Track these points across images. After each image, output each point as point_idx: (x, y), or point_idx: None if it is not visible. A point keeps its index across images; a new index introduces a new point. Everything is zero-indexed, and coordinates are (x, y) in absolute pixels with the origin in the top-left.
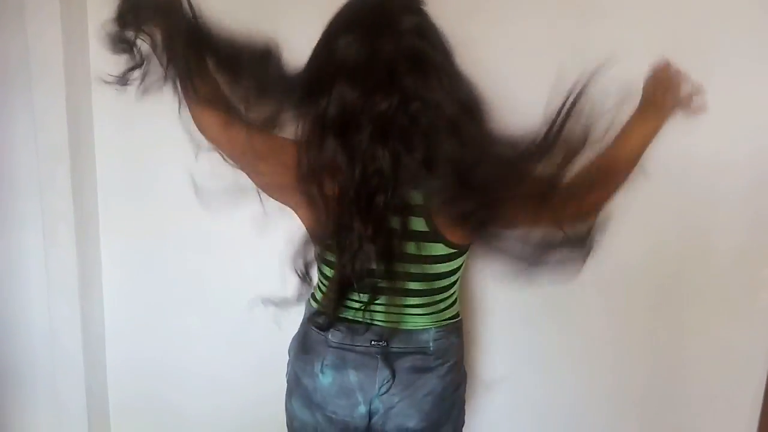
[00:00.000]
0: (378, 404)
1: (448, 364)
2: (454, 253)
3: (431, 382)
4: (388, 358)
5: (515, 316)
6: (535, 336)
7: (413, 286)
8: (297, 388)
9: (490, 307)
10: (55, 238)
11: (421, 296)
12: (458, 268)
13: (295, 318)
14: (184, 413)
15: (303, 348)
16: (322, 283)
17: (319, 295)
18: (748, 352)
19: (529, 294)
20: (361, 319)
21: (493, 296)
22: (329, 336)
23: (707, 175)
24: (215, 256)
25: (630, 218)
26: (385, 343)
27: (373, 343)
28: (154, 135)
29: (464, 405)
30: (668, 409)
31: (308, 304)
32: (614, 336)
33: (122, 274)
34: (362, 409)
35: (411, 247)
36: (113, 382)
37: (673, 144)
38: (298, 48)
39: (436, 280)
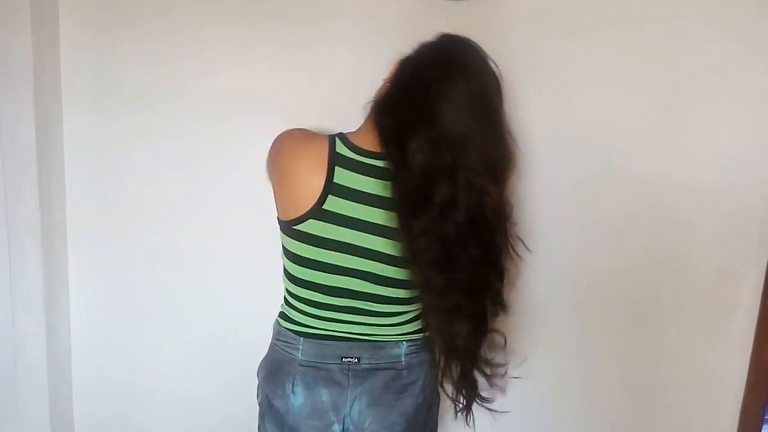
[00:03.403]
0: (349, 423)
1: (420, 382)
2: None
3: (404, 403)
4: (360, 375)
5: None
6: (510, 358)
7: (385, 291)
8: (269, 411)
9: None
10: (20, 249)
11: (391, 303)
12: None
13: (270, 340)
14: None
15: (272, 369)
16: (291, 295)
17: (289, 311)
18: (724, 374)
19: (504, 316)
20: (330, 334)
21: None
22: (299, 355)
23: (683, 198)
24: (187, 270)
25: (607, 240)
26: (357, 360)
27: (343, 360)
28: (126, 145)
29: (437, 427)
30: (644, 430)
31: (276, 324)
32: (590, 357)
33: (90, 287)
34: (336, 428)
35: (379, 244)
36: (79, 400)
37: (649, 167)
38: None
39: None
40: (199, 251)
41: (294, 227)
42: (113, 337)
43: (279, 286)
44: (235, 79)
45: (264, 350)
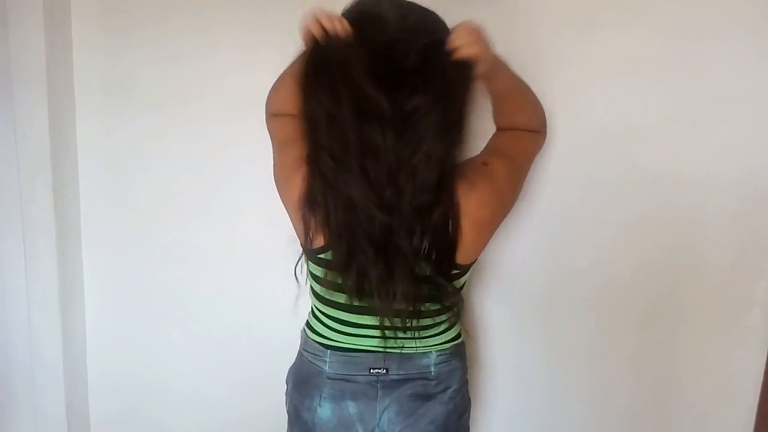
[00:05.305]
0: None
1: (451, 389)
2: (457, 273)
3: (434, 410)
4: (388, 386)
5: (509, 335)
6: (528, 355)
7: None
8: (297, 421)
9: (485, 326)
10: (35, 249)
11: (421, 318)
12: (460, 289)
13: (283, 337)
14: (166, 430)
15: (300, 380)
16: (318, 310)
17: (315, 324)
18: (740, 370)
19: (523, 312)
20: (358, 347)
21: (488, 316)
22: (326, 368)
23: (698, 193)
24: (199, 269)
25: (621, 236)
26: (385, 371)
27: (372, 371)
28: (139, 146)
29: None
30: (659, 427)
31: (303, 333)
32: (604, 354)
33: (104, 286)
34: None
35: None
36: (94, 397)
37: (663, 162)
38: None
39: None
40: (211, 250)
41: (317, 255)
42: (128, 335)
43: (291, 285)
44: (246, 81)
45: (276, 348)
